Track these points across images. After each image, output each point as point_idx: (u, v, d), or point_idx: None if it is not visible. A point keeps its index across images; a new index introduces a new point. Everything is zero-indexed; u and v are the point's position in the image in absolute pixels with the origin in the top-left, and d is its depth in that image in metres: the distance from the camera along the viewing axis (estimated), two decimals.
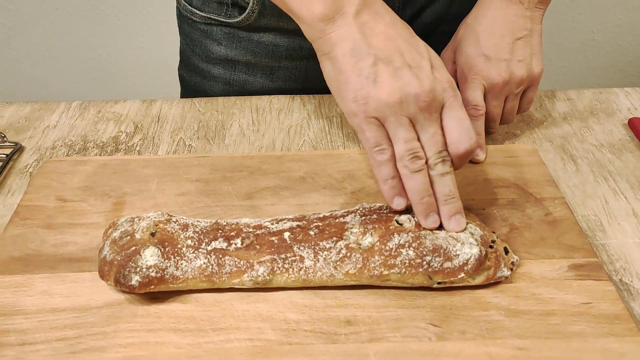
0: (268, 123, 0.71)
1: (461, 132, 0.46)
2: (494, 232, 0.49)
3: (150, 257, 0.44)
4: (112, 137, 0.68)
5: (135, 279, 0.43)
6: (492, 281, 0.46)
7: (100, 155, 0.65)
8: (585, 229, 0.54)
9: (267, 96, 0.75)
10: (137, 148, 0.66)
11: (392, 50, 0.46)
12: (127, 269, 0.44)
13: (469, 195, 0.56)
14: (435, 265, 0.45)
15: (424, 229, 0.47)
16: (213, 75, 0.77)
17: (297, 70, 0.76)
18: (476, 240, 0.46)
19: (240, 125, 0.70)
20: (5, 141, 0.66)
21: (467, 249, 0.45)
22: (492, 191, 0.56)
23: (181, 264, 0.45)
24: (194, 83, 0.80)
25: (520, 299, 0.46)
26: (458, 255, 0.45)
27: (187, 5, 0.76)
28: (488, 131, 0.64)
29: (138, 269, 0.44)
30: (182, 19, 0.78)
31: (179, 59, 0.83)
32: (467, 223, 0.48)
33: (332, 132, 0.69)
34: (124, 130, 0.69)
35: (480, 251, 0.45)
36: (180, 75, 0.83)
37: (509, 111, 0.63)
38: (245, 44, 0.74)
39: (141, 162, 0.59)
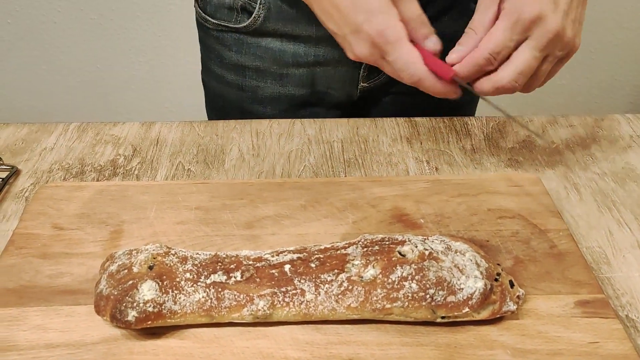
0: (268, 148, 0.70)
1: None
2: (499, 265, 0.48)
3: (147, 291, 0.43)
4: (110, 161, 0.67)
5: (131, 315, 0.42)
6: (498, 316, 0.45)
7: (98, 179, 0.64)
8: (590, 262, 0.54)
9: (268, 120, 0.75)
10: (135, 172, 0.65)
11: None
12: (124, 304, 0.42)
13: (472, 226, 0.55)
14: (439, 299, 0.44)
15: (428, 259, 0.46)
16: (227, 80, 0.80)
17: (305, 77, 0.77)
18: (481, 272, 0.45)
19: (240, 150, 0.69)
20: (2, 164, 0.65)
21: (471, 283, 0.45)
22: (496, 222, 0.55)
23: (179, 298, 0.44)
24: (213, 87, 0.83)
25: (526, 337, 0.45)
26: (462, 289, 0.44)
27: (201, 12, 0.79)
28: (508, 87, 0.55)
29: (135, 304, 0.42)
30: (199, 25, 0.81)
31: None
32: (473, 253, 0.47)
33: (334, 157, 0.68)
34: (122, 153, 0.68)
35: (485, 285, 0.45)
36: (202, 80, 0.86)
37: (540, 75, 0.55)
38: (253, 49, 0.76)
39: (139, 188, 0.58)
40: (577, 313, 0.46)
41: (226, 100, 0.82)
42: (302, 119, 0.75)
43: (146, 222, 0.55)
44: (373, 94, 0.81)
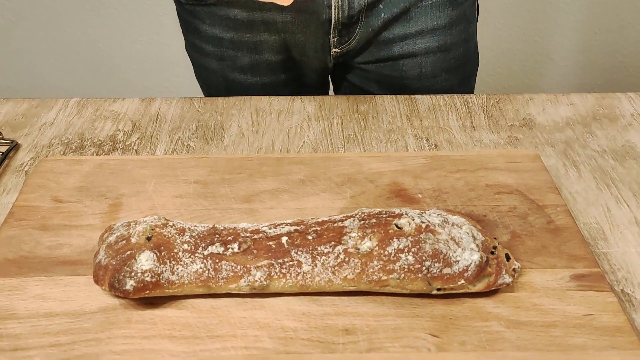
0: (268, 124, 0.70)
1: None
2: (495, 239, 0.48)
3: (145, 261, 0.43)
4: (109, 136, 0.67)
5: (129, 284, 0.42)
6: (493, 288, 0.45)
7: (97, 154, 0.64)
8: (587, 237, 0.54)
9: (267, 97, 0.74)
10: (135, 147, 0.65)
11: None
12: (122, 274, 0.43)
13: (470, 201, 0.55)
14: (435, 271, 0.44)
15: (425, 231, 0.46)
16: (207, 52, 0.80)
17: (278, 44, 0.78)
18: (477, 245, 0.45)
19: (239, 126, 0.69)
20: (1, 138, 0.65)
21: (467, 255, 0.45)
22: (493, 197, 0.55)
23: (177, 268, 0.44)
24: (196, 59, 0.84)
25: (521, 309, 0.45)
26: (458, 261, 0.45)
27: None
28: None
29: (133, 274, 0.43)
30: (175, 0, 0.82)
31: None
32: (469, 226, 0.47)
33: (333, 133, 0.68)
34: (121, 128, 0.68)
35: (481, 257, 0.45)
36: (187, 52, 0.86)
37: None
38: (225, 21, 0.76)
39: (138, 163, 0.59)
40: (572, 286, 0.46)
41: (209, 71, 0.82)
42: (302, 96, 0.75)
43: (145, 195, 0.55)
44: (348, 62, 0.81)
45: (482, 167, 0.59)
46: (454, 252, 0.45)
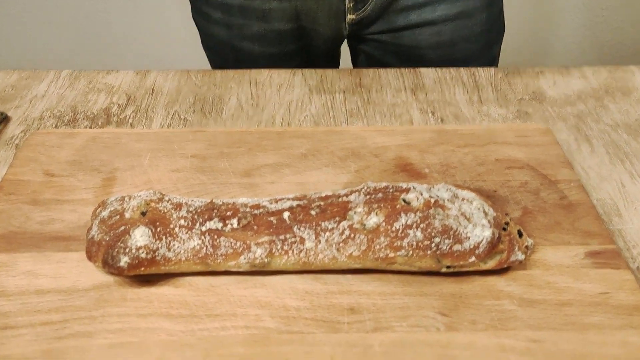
0: (268, 98, 0.67)
1: None
2: (507, 215, 0.46)
3: (140, 237, 0.41)
4: (103, 109, 0.64)
5: (124, 260, 0.40)
6: (505, 266, 0.44)
7: (90, 127, 0.61)
8: (601, 214, 0.52)
9: (267, 70, 0.72)
10: (130, 121, 0.63)
11: None
12: (116, 250, 0.41)
13: (479, 176, 0.53)
14: (444, 247, 0.42)
15: (434, 206, 0.43)
16: (215, 19, 0.77)
17: (289, 11, 0.75)
18: (489, 221, 0.43)
19: (238, 100, 0.67)
20: None
21: (478, 231, 0.43)
22: (503, 172, 0.53)
23: (173, 245, 0.42)
24: (203, 26, 0.81)
25: (534, 287, 0.43)
26: (469, 237, 0.42)
27: None
28: None
29: (127, 250, 0.41)
30: None
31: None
32: (480, 201, 0.45)
33: (335, 107, 0.66)
34: (116, 101, 0.66)
35: (493, 233, 0.43)
36: (193, 19, 0.84)
37: None
38: None
39: (133, 136, 0.56)
40: (587, 264, 0.44)
41: (217, 39, 0.80)
42: (303, 70, 0.72)
43: (140, 169, 0.53)
44: (362, 33, 0.78)
45: (492, 141, 0.57)
46: (465, 228, 0.43)
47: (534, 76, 0.70)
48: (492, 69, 0.72)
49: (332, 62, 0.85)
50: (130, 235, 0.41)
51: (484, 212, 0.44)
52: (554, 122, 0.63)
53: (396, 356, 0.39)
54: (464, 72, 0.71)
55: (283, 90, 0.69)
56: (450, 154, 0.55)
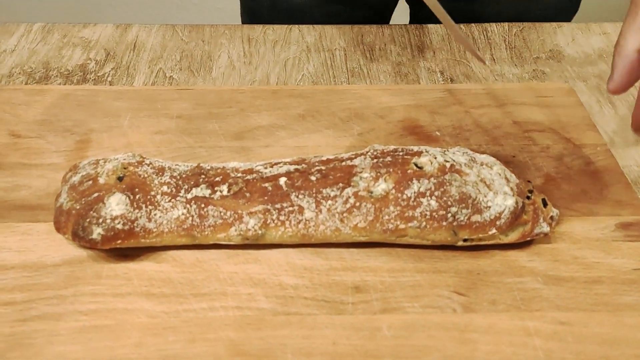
0: (262, 55, 0.61)
1: None
2: (529, 182, 0.41)
3: (116, 205, 0.36)
4: (79, 65, 0.58)
5: (97, 232, 0.35)
6: (528, 239, 0.39)
7: (64, 85, 0.55)
8: None
9: (261, 26, 0.66)
10: (109, 78, 0.57)
11: None
12: (88, 220, 0.36)
13: (496, 140, 0.48)
14: (462, 218, 0.37)
15: (449, 172, 0.38)
16: None
17: None
18: (511, 189, 0.39)
19: (229, 57, 0.61)
20: None
21: (500, 200, 0.38)
22: (523, 136, 0.48)
23: (155, 214, 0.37)
24: None
25: (560, 263, 0.38)
26: (489, 207, 0.38)
27: None
28: None
29: (101, 220, 0.36)
30: None
31: None
32: (501, 167, 0.40)
33: (335, 66, 0.60)
34: (93, 57, 0.59)
35: (517, 202, 0.38)
36: None
37: None
38: None
39: (112, 94, 0.51)
40: (619, 236, 0.40)
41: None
42: (300, 25, 0.66)
43: (119, 131, 0.47)
44: None
45: (509, 102, 0.51)
46: (485, 196, 0.38)
47: (551, 32, 0.65)
48: (505, 25, 0.66)
49: (382, 19, 0.77)
50: (104, 203, 0.36)
51: (506, 178, 0.39)
52: (574, 82, 0.58)
53: (407, 340, 0.34)
54: (475, 27, 0.65)
55: (278, 47, 0.63)
56: (464, 116, 0.50)
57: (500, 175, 0.39)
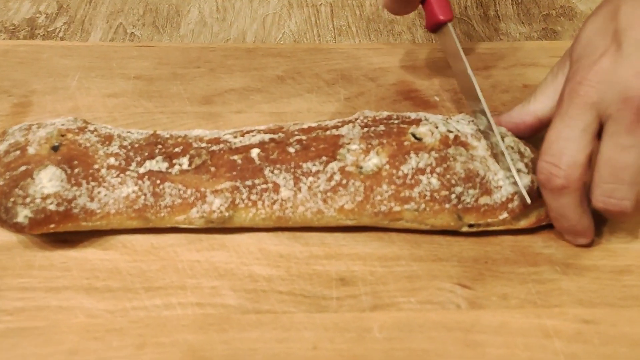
0: (237, 10, 0.54)
1: None
2: None
3: (48, 181, 0.29)
4: (26, 19, 0.51)
5: (23, 215, 0.29)
6: (544, 223, 0.33)
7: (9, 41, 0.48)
8: None
9: None
10: (60, 34, 0.50)
11: None
12: (12, 200, 0.29)
13: (504, 105, 0.42)
14: (468, 200, 0.31)
15: (454, 144, 0.32)
16: None
17: None
18: (526, 164, 0.33)
19: (200, 12, 0.54)
20: None
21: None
22: None
23: (99, 192, 0.30)
24: None
25: (581, 250, 0.33)
26: (500, 186, 0.32)
27: None
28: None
29: (29, 200, 0.29)
30: None
31: None
32: (513, 138, 0.34)
33: (320, 23, 0.53)
34: (43, 10, 0.52)
35: (532, 182, 0.32)
36: None
37: None
38: None
39: (59, 50, 0.44)
40: None
41: None
42: None
43: (65, 93, 0.40)
44: None
45: (518, 62, 0.45)
46: (495, 174, 0.32)
47: None
48: None
49: None
50: (33, 178, 0.29)
51: (520, 152, 0.33)
52: None
53: (402, 343, 0.29)
54: None
55: (256, 1, 0.56)
56: None
57: (512, 148, 0.33)
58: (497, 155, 0.33)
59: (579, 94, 0.30)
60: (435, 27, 0.38)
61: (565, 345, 0.29)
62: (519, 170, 0.32)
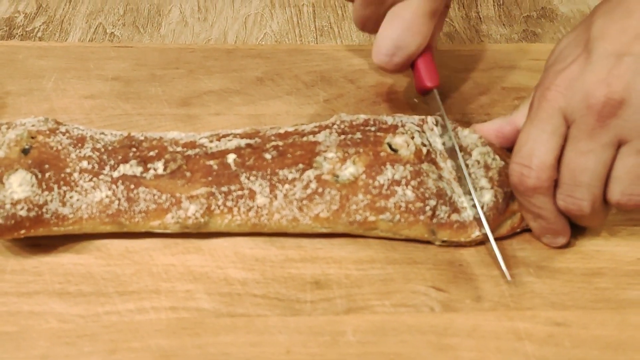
0: (219, 10, 0.54)
1: None
2: None
3: (18, 186, 0.29)
4: (4, 19, 0.51)
5: None
6: (519, 230, 0.33)
7: None
8: None
9: None
10: (38, 34, 0.49)
11: None
12: None
13: (482, 108, 0.42)
14: (442, 215, 0.32)
15: (426, 161, 0.33)
16: None
17: None
18: (491, 178, 0.33)
19: (181, 12, 0.54)
20: None
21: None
22: (512, 103, 0.42)
23: (71, 197, 0.30)
24: None
25: (555, 252, 0.33)
26: (466, 207, 0.32)
27: None
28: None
29: None
30: None
31: None
32: (482, 149, 0.34)
33: (302, 24, 0.53)
34: (22, 10, 0.52)
35: (496, 196, 0.32)
36: None
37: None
38: None
39: (35, 51, 0.43)
40: (621, 220, 0.35)
41: None
42: None
43: (41, 94, 0.40)
44: None
45: (496, 65, 0.46)
46: (459, 197, 0.32)
47: None
48: None
49: None
50: (3, 183, 0.29)
51: (485, 165, 0.33)
52: None
53: (375, 347, 0.29)
54: None
55: (238, 1, 0.56)
56: (446, 80, 0.44)
57: (479, 163, 0.33)
58: (460, 179, 0.33)
59: (547, 98, 0.30)
60: (423, 91, 0.39)
61: (537, 348, 0.29)
62: (481, 188, 0.32)
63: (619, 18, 0.29)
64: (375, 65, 0.38)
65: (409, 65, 0.38)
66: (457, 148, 0.34)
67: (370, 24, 0.38)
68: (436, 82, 0.38)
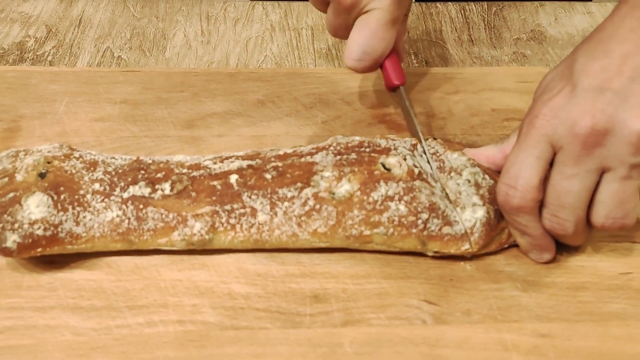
0: (221, 34, 0.56)
1: None
2: None
3: (35, 207, 0.31)
4: (16, 43, 0.53)
5: (12, 240, 0.30)
6: (506, 245, 0.35)
7: None
8: None
9: (221, 2, 0.60)
10: (49, 58, 0.51)
11: None
12: (1, 226, 0.31)
13: (473, 129, 0.44)
14: (433, 228, 0.33)
15: (418, 179, 0.35)
16: None
17: None
18: (482, 195, 0.35)
19: (185, 36, 0.56)
20: None
21: (469, 214, 0.34)
22: (502, 125, 0.44)
23: (84, 217, 0.32)
24: None
25: (541, 267, 0.35)
26: (457, 221, 0.34)
27: None
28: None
29: (17, 225, 0.31)
30: None
31: None
32: (471, 170, 0.36)
33: (301, 46, 0.55)
34: (32, 34, 0.54)
35: (488, 212, 0.34)
36: None
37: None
38: None
39: (47, 76, 0.45)
40: (604, 237, 0.37)
41: None
42: (264, 2, 0.61)
43: (53, 118, 0.42)
44: None
45: (487, 87, 0.47)
46: (452, 211, 0.34)
47: (532, 11, 0.61)
48: (485, 3, 0.62)
49: None
50: (21, 205, 0.31)
51: (476, 184, 0.35)
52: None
53: (371, 358, 0.30)
54: (452, 6, 0.61)
55: (240, 25, 0.58)
56: (438, 102, 0.46)
57: (469, 182, 0.35)
58: (449, 197, 0.35)
59: (535, 125, 0.32)
60: (391, 88, 0.42)
61: (523, 359, 0.31)
62: (473, 204, 0.34)
63: (599, 57, 0.31)
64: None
65: (377, 67, 0.41)
66: (426, 149, 0.37)
67: (341, 32, 0.41)
68: (402, 80, 0.41)
